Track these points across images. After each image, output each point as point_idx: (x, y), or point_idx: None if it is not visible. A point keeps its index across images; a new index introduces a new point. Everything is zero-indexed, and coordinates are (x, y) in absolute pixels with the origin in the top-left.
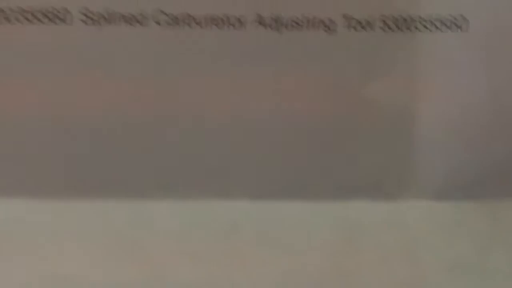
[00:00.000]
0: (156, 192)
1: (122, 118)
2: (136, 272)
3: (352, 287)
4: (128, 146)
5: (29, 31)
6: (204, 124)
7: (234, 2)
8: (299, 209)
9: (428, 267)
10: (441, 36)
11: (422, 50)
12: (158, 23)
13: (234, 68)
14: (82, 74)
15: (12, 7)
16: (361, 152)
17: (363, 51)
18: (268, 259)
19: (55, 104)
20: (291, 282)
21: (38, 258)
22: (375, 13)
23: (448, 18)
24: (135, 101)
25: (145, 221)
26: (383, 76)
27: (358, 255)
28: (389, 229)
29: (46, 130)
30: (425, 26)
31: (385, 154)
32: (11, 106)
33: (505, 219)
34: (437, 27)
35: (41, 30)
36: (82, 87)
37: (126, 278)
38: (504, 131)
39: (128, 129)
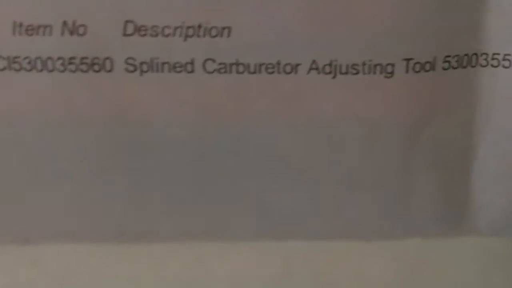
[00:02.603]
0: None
1: None
2: None
3: None
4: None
5: None
6: None
7: (290, 48)
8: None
9: None
10: (502, 72)
11: (483, 86)
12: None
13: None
14: None
15: None
16: (419, 190)
17: (422, 92)
18: None
19: None
20: None
21: None
22: (438, 53)
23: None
24: None
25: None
26: (443, 116)
27: None
28: (448, 266)
29: None
30: (487, 62)
31: (443, 191)
32: None
33: None
34: (499, 63)
35: None
36: None
37: None
38: None
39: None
